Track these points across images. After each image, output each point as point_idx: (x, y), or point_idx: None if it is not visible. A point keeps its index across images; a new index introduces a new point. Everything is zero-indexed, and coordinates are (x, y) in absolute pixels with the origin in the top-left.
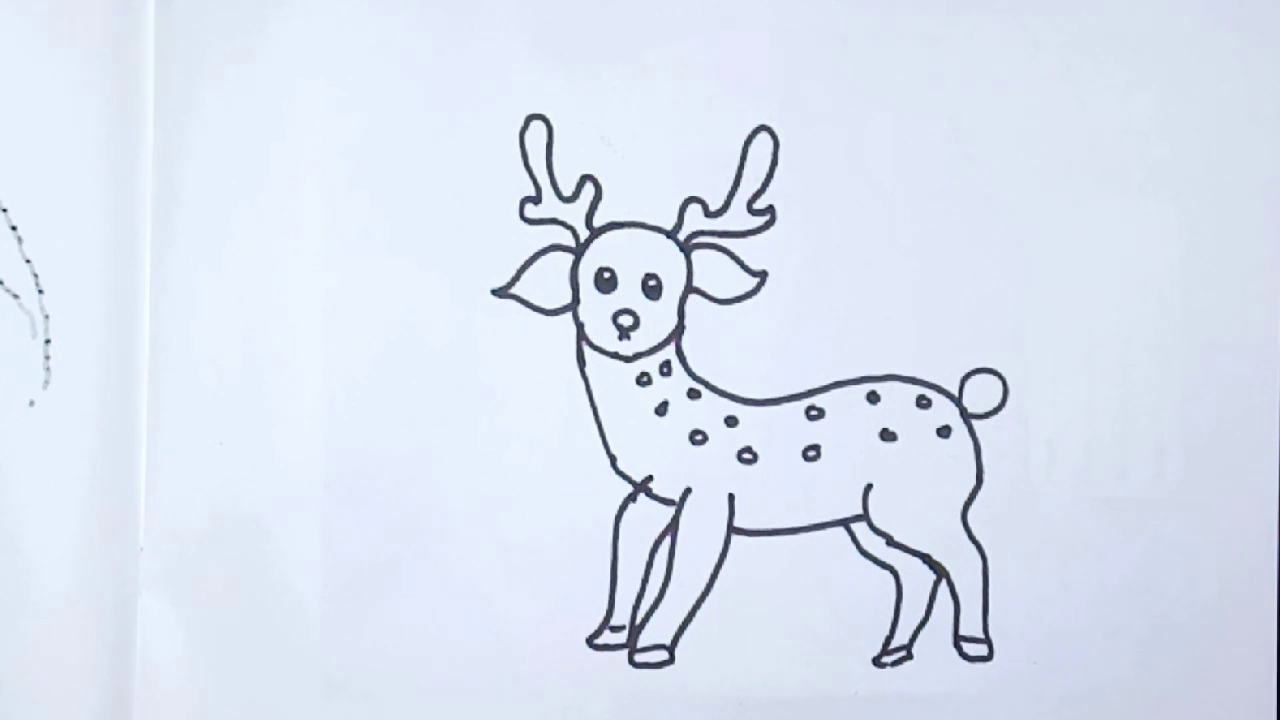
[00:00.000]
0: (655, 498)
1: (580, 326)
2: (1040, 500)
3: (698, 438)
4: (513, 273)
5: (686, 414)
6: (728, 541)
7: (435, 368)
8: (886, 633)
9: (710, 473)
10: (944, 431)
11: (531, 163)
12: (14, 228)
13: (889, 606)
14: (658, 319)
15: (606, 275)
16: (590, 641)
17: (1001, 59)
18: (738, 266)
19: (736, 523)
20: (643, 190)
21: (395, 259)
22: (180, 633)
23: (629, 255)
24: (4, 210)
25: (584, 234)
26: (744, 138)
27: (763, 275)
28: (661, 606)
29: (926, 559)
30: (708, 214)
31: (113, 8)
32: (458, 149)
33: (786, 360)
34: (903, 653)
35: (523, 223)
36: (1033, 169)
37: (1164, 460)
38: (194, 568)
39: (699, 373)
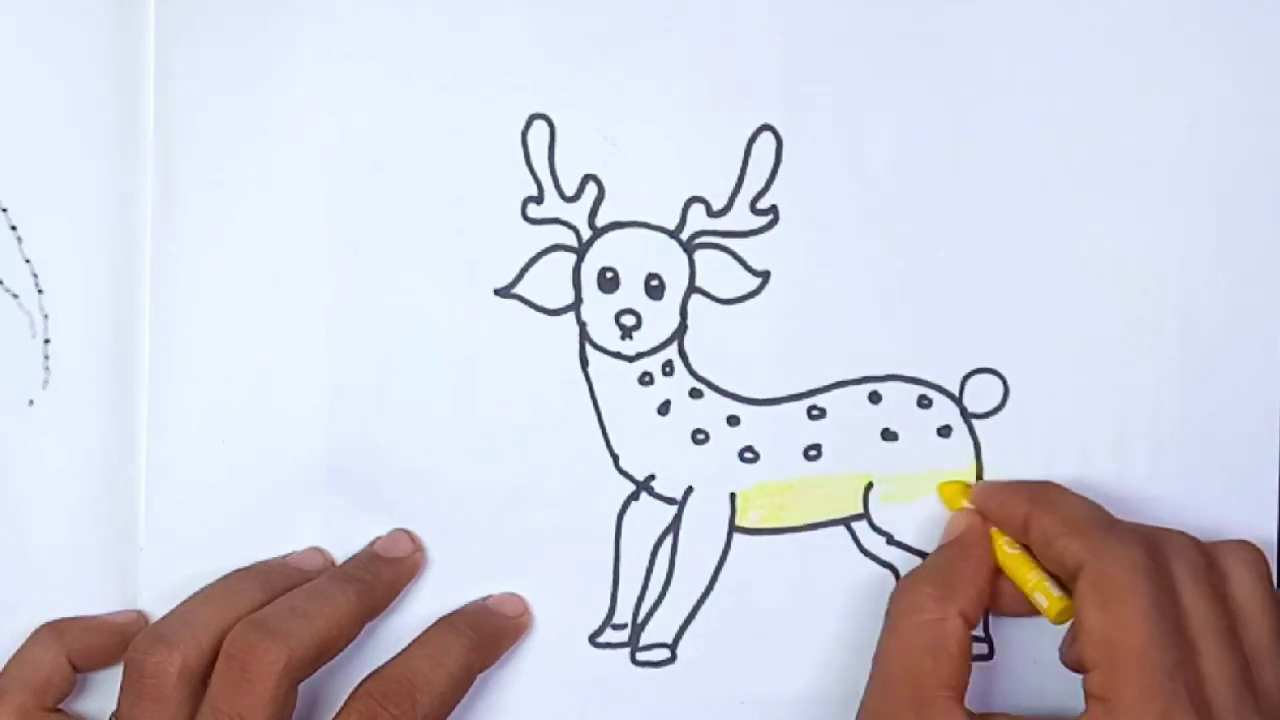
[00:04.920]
0: (657, 496)
1: (583, 326)
2: None
3: (700, 437)
4: (515, 273)
5: (688, 413)
6: (729, 540)
7: (437, 367)
8: None
9: (712, 472)
10: (944, 431)
11: (534, 162)
12: (14, 228)
13: None
14: (660, 319)
15: (609, 275)
16: (592, 640)
17: (1004, 59)
18: (740, 266)
19: (738, 521)
20: (645, 190)
21: (397, 258)
22: None
23: (632, 255)
24: (4, 210)
25: (586, 234)
26: (747, 137)
27: (765, 275)
28: (664, 605)
29: (927, 558)
30: (710, 214)
31: (113, 7)
32: (460, 148)
33: (788, 360)
34: None
35: (525, 222)
36: (1035, 169)
37: (1164, 459)
38: (194, 568)
39: (701, 372)
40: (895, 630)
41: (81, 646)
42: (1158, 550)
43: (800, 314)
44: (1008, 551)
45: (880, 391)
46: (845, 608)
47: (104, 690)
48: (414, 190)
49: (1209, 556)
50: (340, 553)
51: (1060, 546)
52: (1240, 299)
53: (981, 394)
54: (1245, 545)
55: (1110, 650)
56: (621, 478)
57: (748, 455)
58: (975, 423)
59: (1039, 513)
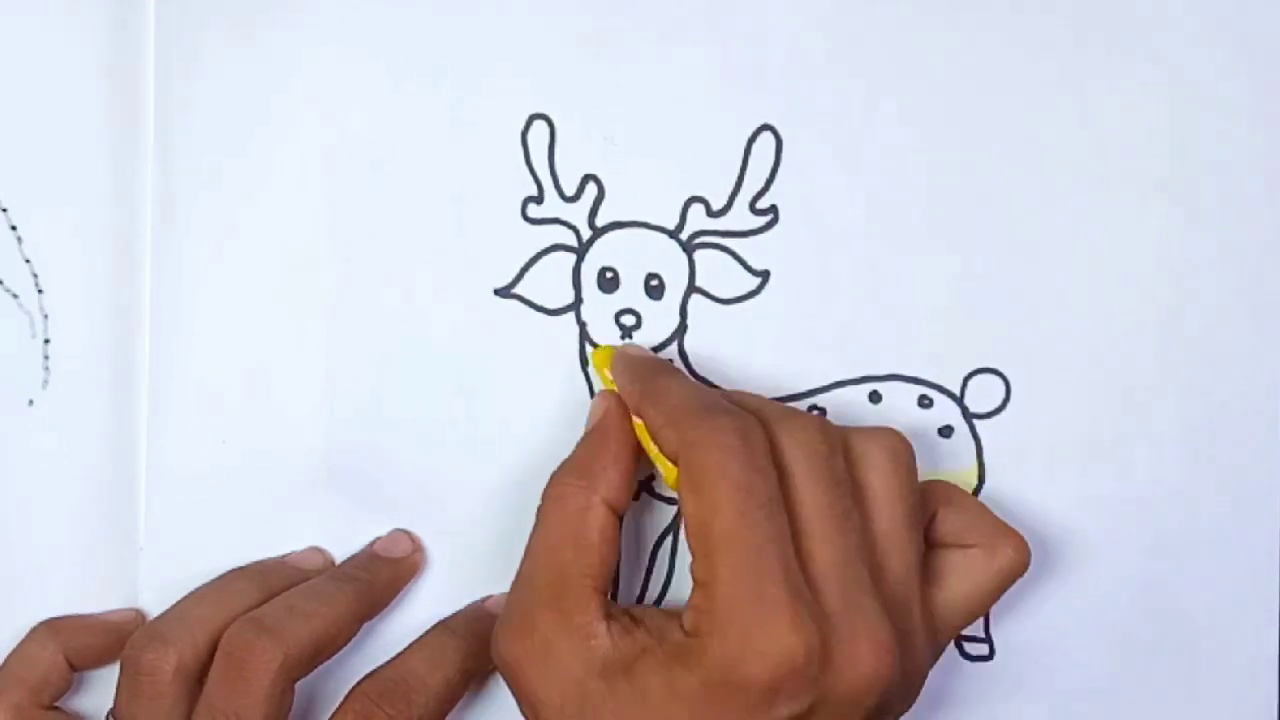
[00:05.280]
0: (657, 497)
1: (583, 326)
2: (1041, 500)
3: None
4: (515, 273)
5: None
6: None
7: (437, 367)
8: None
9: None
10: (946, 431)
11: (534, 162)
12: (14, 228)
13: None
14: (660, 319)
15: (609, 275)
16: None
17: (1005, 59)
18: (740, 266)
19: None
20: (645, 190)
21: (397, 258)
22: None
23: (631, 255)
24: (4, 210)
25: (586, 234)
26: (747, 137)
27: (765, 275)
28: (664, 605)
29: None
30: (710, 214)
31: (113, 7)
32: (459, 148)
33: (788, 360)
34: None
35: (525, 222)
36: (1035, 169)
37: (1164, 460)
38: (194, 568)
39: (701, 372)
40: (541, 525)
41: (78, 644)
42: (757, 433)
43: (800, 314)
44: (637, 421)
45: (880, 391)
46: None
47: (101, 688)
48: (414, 190)
49: (837, 441)
50: (340, 553)
51: (662, 439)
52: (1240, 299)
53: (983, 394)
54: (887, 432)
55: (703, 535)
56: None
57: None
58: (977, 422)
59: (645, 405)
